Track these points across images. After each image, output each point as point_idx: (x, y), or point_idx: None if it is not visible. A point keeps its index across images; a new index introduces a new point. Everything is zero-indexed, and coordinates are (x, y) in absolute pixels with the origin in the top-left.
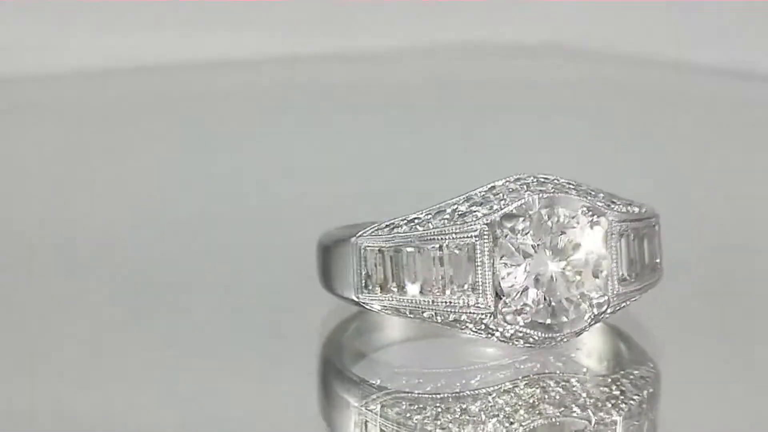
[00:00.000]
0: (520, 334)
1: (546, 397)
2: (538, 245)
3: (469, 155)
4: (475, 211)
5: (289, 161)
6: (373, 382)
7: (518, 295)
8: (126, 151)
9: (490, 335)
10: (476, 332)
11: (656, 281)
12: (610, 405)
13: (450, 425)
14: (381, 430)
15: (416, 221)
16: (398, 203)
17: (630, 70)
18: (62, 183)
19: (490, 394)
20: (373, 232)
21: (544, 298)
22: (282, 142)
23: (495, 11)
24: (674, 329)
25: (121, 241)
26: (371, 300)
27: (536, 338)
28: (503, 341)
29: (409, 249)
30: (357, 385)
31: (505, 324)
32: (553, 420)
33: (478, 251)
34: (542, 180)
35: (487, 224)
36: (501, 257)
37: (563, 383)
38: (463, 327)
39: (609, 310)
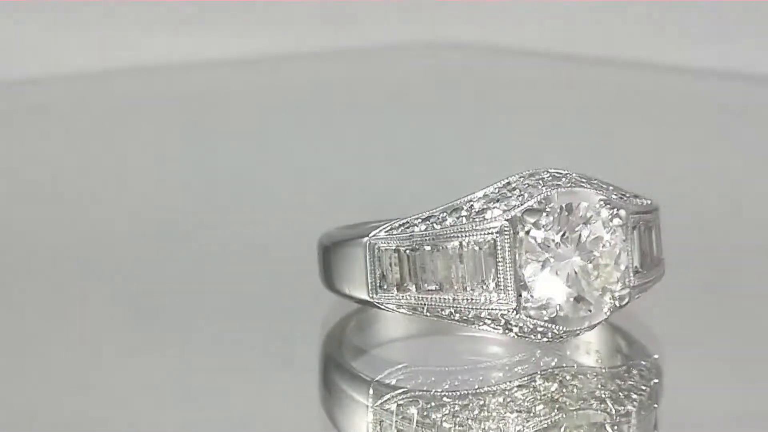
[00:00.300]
0: (541, 329)
1: (564, 390)
2: (560, 239)
3: (462, 154)
4: (493, 208)
5: (274, 159)
6: (388, 381)
7: (542, 289)
8: (126, 151)
9: (507, 331)
10: (494, 328)
11: (662, 274)
12: (623, 396)
13: (469, 422)
14: (398, 429)
15: (432, 219)
16: (387, 202)
17: (626, 73)
18: (62, 183)
19: (508, 389)
20: (387, 231)
21: (569, 293)
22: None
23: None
24: (670, 325)
25: (121, 241)
26: (387, 300)
27: (556, 332)
28: (521, 336)
29: (427, 247)
30: (369, 384)
31: (528, 319)
32: (573, 413)
33: (499, 247)
34: (557, 175)
35: (508, 220)
36: (523, 253)
37: (579, 376)
38: (482, 323)
39: (628, 302)
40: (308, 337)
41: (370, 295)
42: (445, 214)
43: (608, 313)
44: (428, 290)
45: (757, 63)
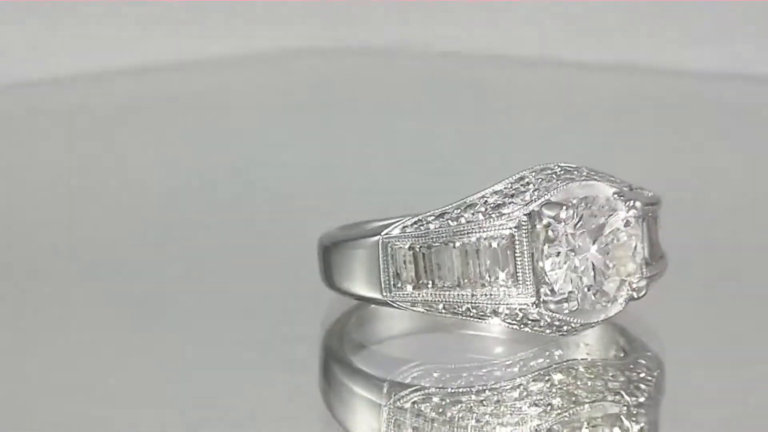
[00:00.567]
0: (557, 323)
1: (579, 383)
2: (578, 232)
3: (456, 155)
4: (509, 203)
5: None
6: (402, 379)
7: (562, 283)
8: (125, 151)
9: (522, 326)
10: (510, 324)
11: (666, 267)
12: (633, 387)
13: (487, 417)
14: (414, 427)
15: (446, 216)
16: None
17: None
18: (61, 183)
19: (524, 384)
20: (400, 229)
21: (588, 285)
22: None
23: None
24: (669, 324)
25: (120, 240)
26: (401, 298)
27: (573, 325)
28: (536, 331)
29: (443, 244)
30: (382, 383)
31: (548, 313)
32: (589, 406)
33: (517, 242)
34: (568, 168)
35: (526, 215)
36: (542, 247)
37: (593, 369)
38: (498, 319)
39: (645, 294)
40: (314, 337)
41: (384, 294)
42: (459, 210)
43: (623, 305)
44: (445, 287)
45: (755, 63)
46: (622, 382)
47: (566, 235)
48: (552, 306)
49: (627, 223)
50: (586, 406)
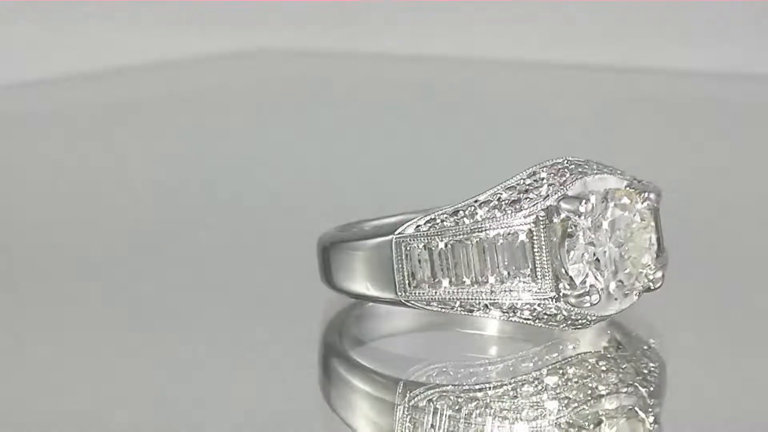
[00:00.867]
0: (574, 317)
1: (593, 375)
2: (596, 226)
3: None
4: (524, 198)
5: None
6: (414, 379)
7: (582, 277)
8: (125, 150)
9: (536, 321)
10: (525, 319)
11: (668, 259)
12: (641, 378)
13: (505, 411)
14: (431, 425)
15: (460, 214)
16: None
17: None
18: (61, 183)
19: (539, 378)
20: (414, 228)
21: (608, 278)
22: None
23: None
24: (670, 323)
25: (120, 239)
26: (417, 297)
27: (590, 319)
28: (551, 325)
29: (460, 242)
30: (396, 383)
31: (567, 307)
32: (606, 397)
33: (536, 237)
34: (578, 162)
35: (544, 209)
36: (561, 241)
37: (605, 360)
38: (515, 314)
39: (661, 285)
40: (315, 337)
41: (399, 294)
42: (473, 207)
43: (636, 297)
44: (463, 284)
45: (749, 64)
46: (632, 373)
47: (584, 228)
48: (572, 300)
49: (641, 215)
50: (603, 398)
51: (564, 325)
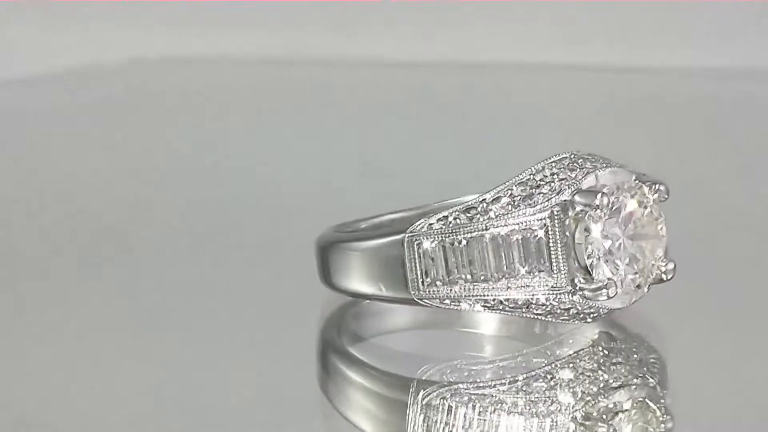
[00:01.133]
0: (587, 311)
1: (603, 368)
2: (611, 219)
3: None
4: (538, 194)
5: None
6: (428, 377)
7: (599, 271)
8: (124, 150)
9: (548, 315)
10: (538, 314)
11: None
12: (647, 369)
13: (520, 407)
14: (445, 422)
15: (473, 211)
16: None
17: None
18: (61, 182)
19: (552, 372)
20: (427, 227)
21: (624, 271)
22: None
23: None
24: (670, 322)
25: (120, 239)
26: (430, 295)
27: (602, 312)
28: (563, 320)
29: (475, 239)
30: (409, 382)
31: (583, 301)
32: (618, 389)
33: (551, 231)
34: (585, 157)
35: (558, 204)
36: (576, 235)
37: (616, 351)
38: (528, 309)
39: (672, 277)
40: (314, 335)
41: (412, 292)
42: (486, 204)
43: (647, 290)
44: (478, 281)
45: (749, 62)
46: (637, 365)
47: (599, 222)
48: (588, 293)
49: (653, 207)
50: (615, 391)
51: (575, 320)
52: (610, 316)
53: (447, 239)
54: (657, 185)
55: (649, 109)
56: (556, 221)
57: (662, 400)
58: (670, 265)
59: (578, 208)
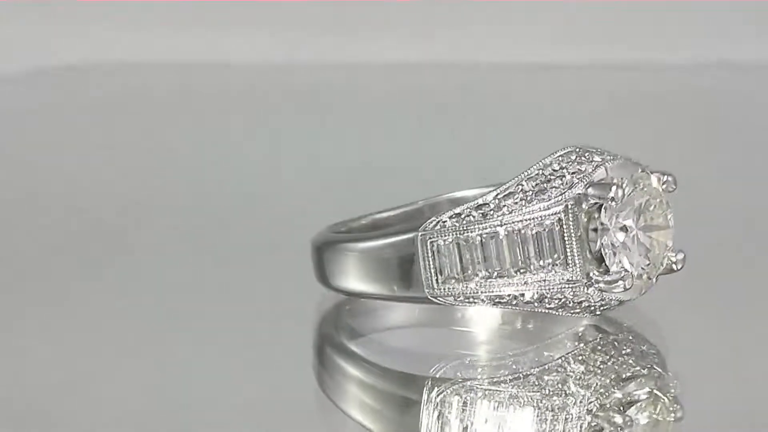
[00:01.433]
0: (600, 303)
1: (613, 360)
2: (623, 211)
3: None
4: (550, 188)
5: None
6: (440, 375)
7: (613, 263)
8: (124, 150)
9: (561, 309)
10: (552, 309)
11: None
12: (649, 360)
13: (536, 401)
14: (460, 419)
15: (485, 207)
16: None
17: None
18: (61, 181)
19: (564, 366)
20: (440, 225)
21: (638, 263)
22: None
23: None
24: (670, 321)
25: (119, 238)
26: (445, 293)
27: (613, 305)
28: (574, 313)
29: (489, 235)
30: (421, 380)
31: (598, 293)
32: (629, 381)
33: (565, 225)
34: (591, 150)
35: (572, 197)
36: (590, 228)
37: (624, 344)
38: (541, 303)
39: (682, 267)
40: (314, 335)
41: (427, 291)
42: (498, 200)
43: (655, 281)
44: (494, 277)
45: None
46: (640, 356)
47: (612, 214)
48: (602, 286)
49: (661, 198)
50: (627, 382)
51: (587, 312)
52: (614, 309)
53: (461, 236)
54: (665, 176)
55: (649, 107)
56: (570, 215)
57: (672, 391)
58: (680, 255)
59: (592, 201)
